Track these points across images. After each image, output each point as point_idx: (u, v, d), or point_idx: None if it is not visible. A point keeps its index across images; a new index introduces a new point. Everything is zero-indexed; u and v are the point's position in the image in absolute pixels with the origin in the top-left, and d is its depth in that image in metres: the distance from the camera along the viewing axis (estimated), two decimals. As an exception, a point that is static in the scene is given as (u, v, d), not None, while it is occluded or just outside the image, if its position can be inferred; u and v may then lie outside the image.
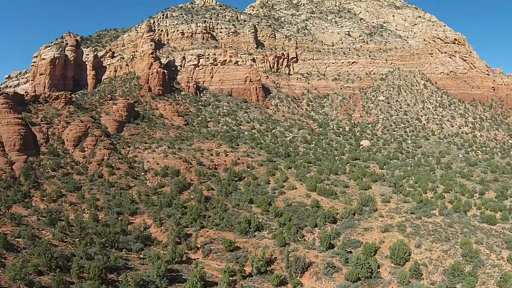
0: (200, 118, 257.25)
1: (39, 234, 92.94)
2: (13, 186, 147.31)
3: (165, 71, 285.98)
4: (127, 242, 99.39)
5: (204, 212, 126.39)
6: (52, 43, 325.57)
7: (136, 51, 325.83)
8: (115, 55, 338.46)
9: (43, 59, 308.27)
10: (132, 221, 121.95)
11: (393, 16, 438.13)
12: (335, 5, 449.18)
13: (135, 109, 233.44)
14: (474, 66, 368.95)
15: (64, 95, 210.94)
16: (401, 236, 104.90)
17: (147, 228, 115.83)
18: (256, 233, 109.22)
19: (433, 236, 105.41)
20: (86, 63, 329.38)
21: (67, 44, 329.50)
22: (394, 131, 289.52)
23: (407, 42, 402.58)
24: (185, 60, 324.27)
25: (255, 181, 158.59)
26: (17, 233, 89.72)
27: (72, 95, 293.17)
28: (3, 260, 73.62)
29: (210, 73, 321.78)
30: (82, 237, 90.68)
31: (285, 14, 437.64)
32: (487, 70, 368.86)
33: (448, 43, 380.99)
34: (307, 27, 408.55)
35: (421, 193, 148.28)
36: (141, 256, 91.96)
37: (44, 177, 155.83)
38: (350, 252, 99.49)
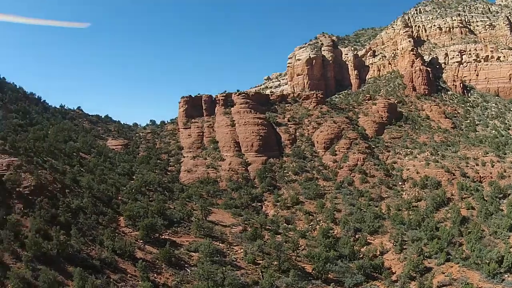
0: (468, 121, 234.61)
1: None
2: (243, 188, 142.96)
3: (428, 69, 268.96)
4: (344, 272, 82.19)
5: (457, 238, 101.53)
6: (306, 44, 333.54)
7: (396, 49, 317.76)
8: (375, 54, 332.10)
9: (298, 60, 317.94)
10: (371, 241, 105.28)
11: None
12: None
13: (398, 109, 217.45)
14: None
15: (315, 94, 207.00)
16: None
17: (384, 253, 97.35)
18: (506, 276, 79.99)
19: None
20: (347, 63, 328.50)
21: (322, 44, 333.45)
22: None
23: None
24: (447, 57, 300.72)
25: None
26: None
27: (334, 95, 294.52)
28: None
29: (475, 70, 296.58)
30: (281, 262, 77.75)
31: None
32: None
33: None
34: None
35: None
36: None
37: (283, 180, 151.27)
38: None
